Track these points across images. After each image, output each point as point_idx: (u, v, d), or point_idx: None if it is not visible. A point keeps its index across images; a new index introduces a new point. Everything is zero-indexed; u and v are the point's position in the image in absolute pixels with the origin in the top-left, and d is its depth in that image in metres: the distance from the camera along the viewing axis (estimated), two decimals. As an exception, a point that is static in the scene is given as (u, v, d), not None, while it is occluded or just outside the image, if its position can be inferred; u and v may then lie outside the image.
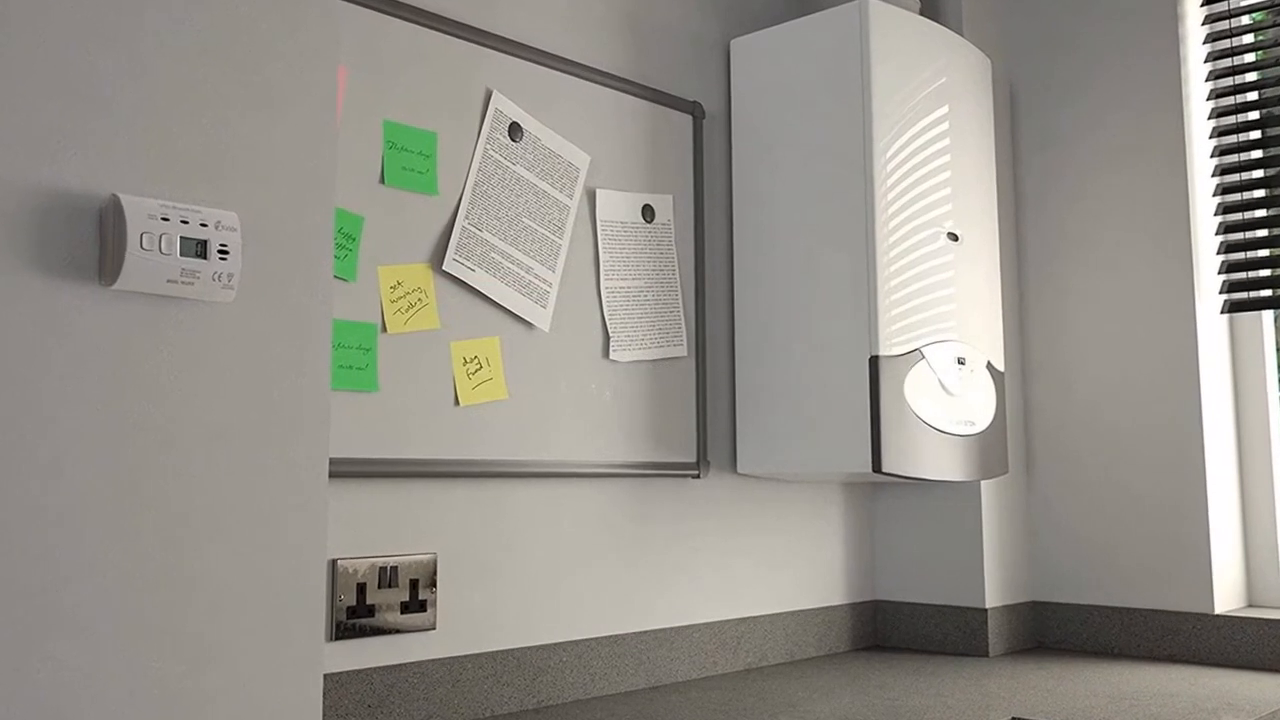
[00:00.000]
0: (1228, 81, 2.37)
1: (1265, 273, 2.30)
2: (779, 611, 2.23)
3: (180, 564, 1.02)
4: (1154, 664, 2.21)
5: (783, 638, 2.23)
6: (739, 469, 2.16)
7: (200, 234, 1.03)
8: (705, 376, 2.12)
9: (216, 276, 1.04)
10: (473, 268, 1.76)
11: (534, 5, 1.91)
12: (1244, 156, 2.34)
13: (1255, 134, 2.33)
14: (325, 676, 1.54)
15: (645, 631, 1.97)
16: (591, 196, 1.97)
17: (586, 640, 1.88)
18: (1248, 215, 2.34)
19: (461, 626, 1.71)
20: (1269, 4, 2.31)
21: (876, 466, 1.97)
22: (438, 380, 1.71)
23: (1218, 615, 2.22)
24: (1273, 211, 2.29)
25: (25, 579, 0.94)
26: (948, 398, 2.10)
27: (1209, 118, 2.39)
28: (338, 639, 1.56)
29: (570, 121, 1.94)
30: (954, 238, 2.18)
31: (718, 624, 2.10)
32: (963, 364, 2.15)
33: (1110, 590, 2.37)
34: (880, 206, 2.03)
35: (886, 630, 2.45)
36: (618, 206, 2.01)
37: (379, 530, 1.63)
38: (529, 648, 1.79)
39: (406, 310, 1.68)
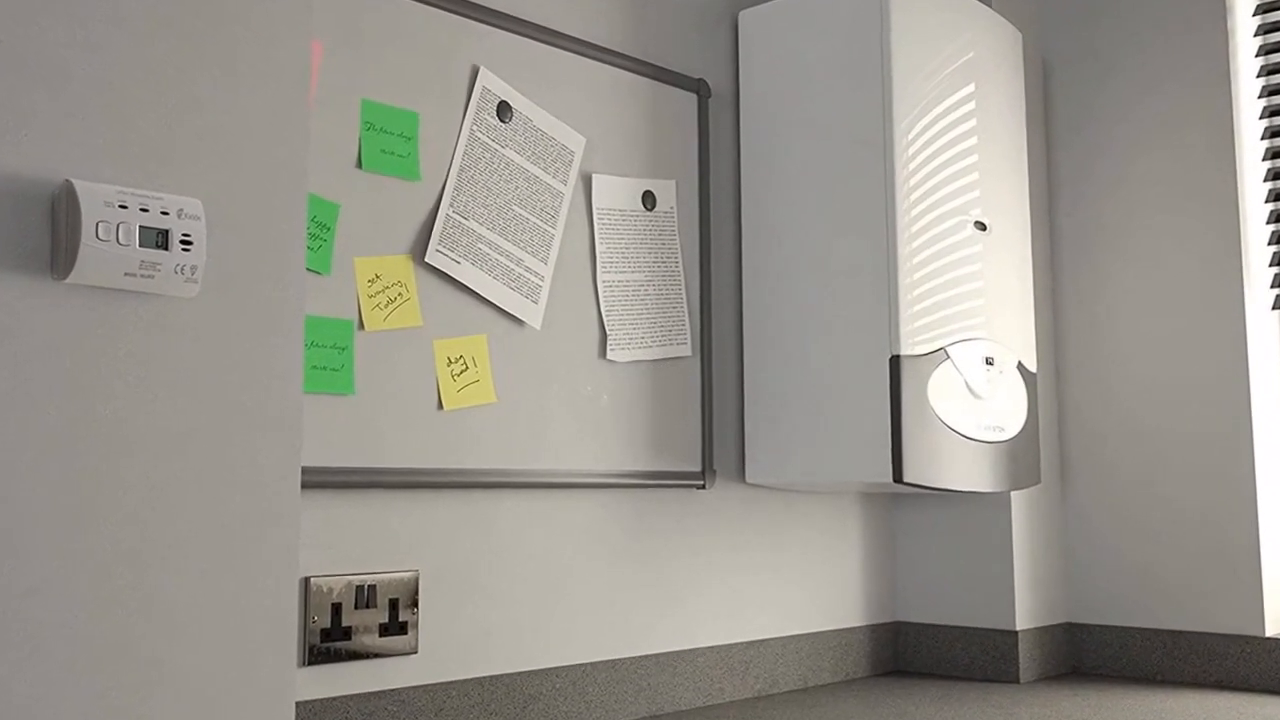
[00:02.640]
0: (1280, 57, 2.37)
1: (1321, 265, 2.30)
2: (791, 634, 2.24)
3: (139, 582, 1.02)
4: (1199, 691, 2.21)
5: (795, 662, 2.23)
6: (747, 478, 2.16)
7: (161, 223, 1.03)
8: (711, 378, 2.13)
9: (179, 269, 1.04)
10: (458, 260, 1.77)
11: (524, -26, 1.91)
12: (1298, 138, 2.34)
13: (1310, 114, 2.33)
14: (297, 704, 1.54)
15: (645, 655, 1.97)
16: (587, 182, 1.97)
17: (582, 665, 1.88)
18: (1302, 202, 2.34)
19: (446, 650, 1.71)
20: (1325, -28, 2.31)
21: (897, 476, 1.97)
22: (420, 382, 1.71)
23: (1269, 638, 2.23)
24: (1329, 198, 2.29)
25: (-29, 598, 0.94)
26: (975, 401, 2.10)
27: (1260, 96, 2.39)
28: (311, 664, 1.56)
29: (564, 100, 1.94)
30: (982, 227, 2.18)
31: (724, 647, 2.11)
32: (991, 364, 2.15)
33: (1152, 611, 2.37)
34: (902, 193, 2.03)
35: (908, 654, 2.45)
36: (616, 193, 2.01)
37: (356, 545, 1.63)
38: (519, 673, 1.79)
39: (386, 306, 1.68)
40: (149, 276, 1.02)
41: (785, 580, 2.24)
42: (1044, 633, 2.39)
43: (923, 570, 2.45)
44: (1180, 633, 2.32)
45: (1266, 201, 2.36)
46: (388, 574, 1.65)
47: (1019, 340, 2.26)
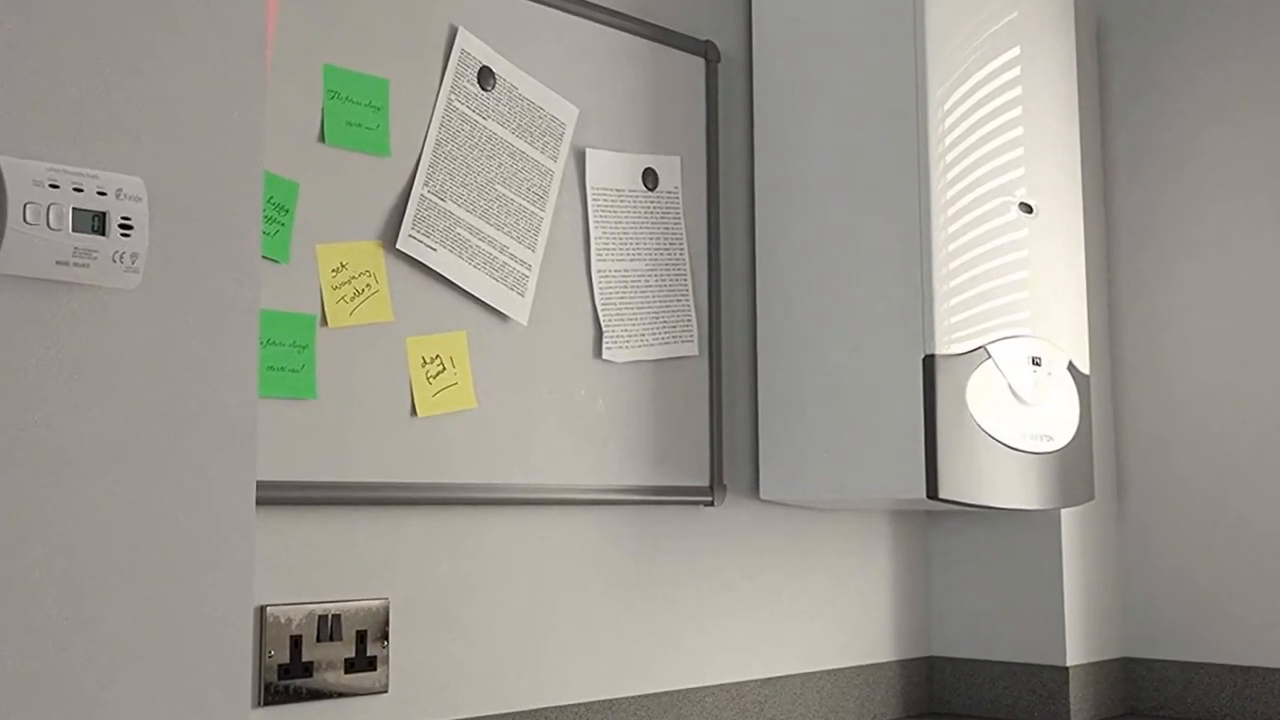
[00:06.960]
0: (1365, 16, 2.37)
1: None
2: (812, 670, 2.24)
3: (72, 613, 1.02)
4: (1274, 735, 2.21)
5: (816, 702, 2.23)
6: (762, 494, 2.16)
7: (98, 204, 1.02)
8: (720, 380, 2.13)
9: (118, 257, 1.04)
10: (434, 246, 1.77)
11: (509, -78, 1.91)
12: (1385, 109, 2.35)
13: (1399, 81, 2.33)
14: (251, 750, 1.55)
15: (647, 695, 1.97)
16: (580, 158, 1.97)
17: (574, 706, 1.88)
18: (1390, 181, 2.34)
19: (419, 688, 1.71)
20: None
21: (932, 492, 1.97)
22: (390, 385, 1.71)
23: (1353, 675, 2.23)
24: None
25: (-119, 630, 0.94)
26: (1020, 406, 2.10)
27: (1342, 61, 2.39)
28: (267, 704, 1.56)
29: (554, 66, 1.94)
30: (1027, 209, 2.18)
31: (736, 685, 2.11)
32: (1038, 365, 2.15)
33: (1220, 644, 2.37)
34: (937, 171, 2.03)
35: (944, 693, 2.45)
36: (613, 170, 2.01)
37: (318, 570, 1.63)
38: (503, 715, 1.79)
39: (352, 299, 1.68)
40: (84, 265, 1.02)
41: (805, 610, 2.24)
42: (1098, 669, 2.39)
43: (961, 598, 2.45)
44: (1251, 669, 2.32)
45: (1350, 180, 2.37)
46: (354, 602, 1.65)
47: (1069, 338, 2.25)
